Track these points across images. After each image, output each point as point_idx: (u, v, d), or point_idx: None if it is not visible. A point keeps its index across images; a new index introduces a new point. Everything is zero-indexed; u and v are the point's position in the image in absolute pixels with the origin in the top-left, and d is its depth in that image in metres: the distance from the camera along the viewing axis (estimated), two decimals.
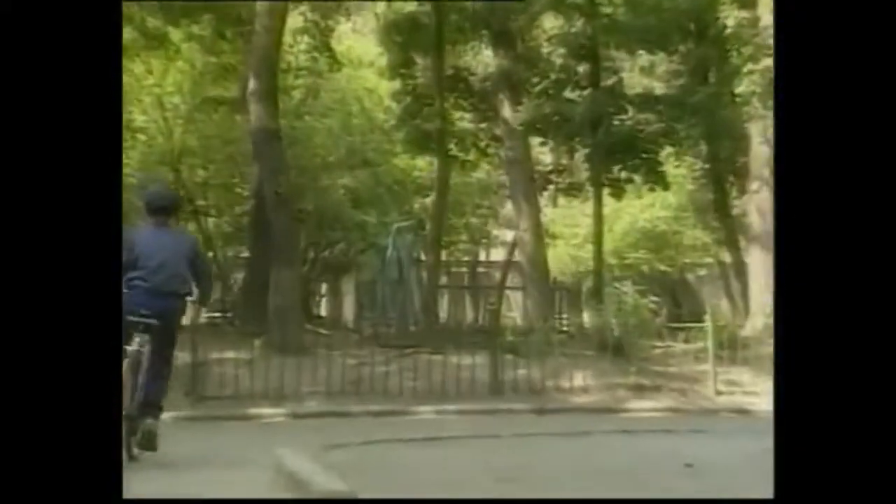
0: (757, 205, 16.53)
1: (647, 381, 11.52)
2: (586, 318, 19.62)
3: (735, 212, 20.51)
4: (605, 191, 17.88)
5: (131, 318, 5.70)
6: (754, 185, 16.76)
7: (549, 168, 23.01)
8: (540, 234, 18.16)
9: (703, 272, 26.15)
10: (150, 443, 5.72)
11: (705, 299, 23.51)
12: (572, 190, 23.23)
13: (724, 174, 20.16)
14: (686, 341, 13.41)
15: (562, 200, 27.10)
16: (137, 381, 5.70)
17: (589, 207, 20.39)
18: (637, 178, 17.67)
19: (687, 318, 18.05)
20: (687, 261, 26.62)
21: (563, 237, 26.41)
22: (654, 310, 16.53)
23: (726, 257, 21.84)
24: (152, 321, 5.78)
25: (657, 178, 17.48)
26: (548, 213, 26.81)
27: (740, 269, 19.17)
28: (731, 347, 11.96)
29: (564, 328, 18.13)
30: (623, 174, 17.44)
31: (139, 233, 6.21)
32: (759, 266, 16.05)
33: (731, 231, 20.39)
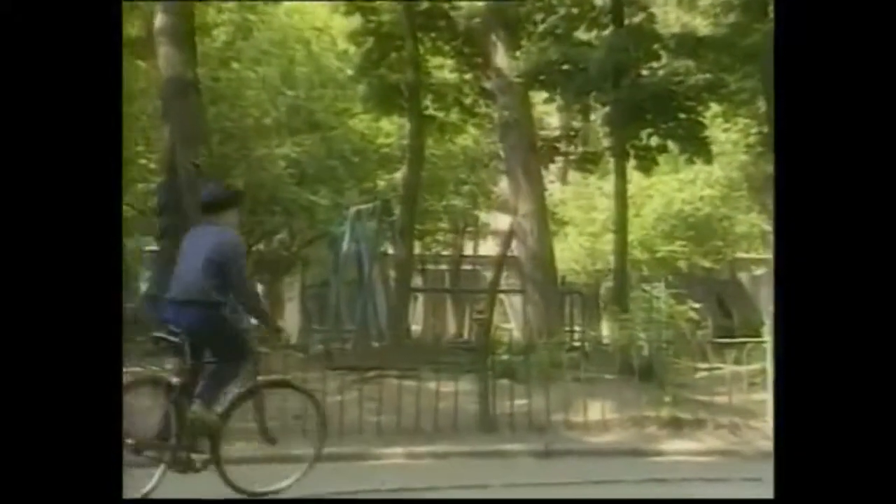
0: None
1: (686, 414, 11.58)
2: (606, 330, 19.71)
3: None
4: (631, 163, 17.94)
5: (158, 335, 6.68)
6: None
7: (557, 133, 23.08)
8: (545, 220, 18.22)
9: (760, 271, 26.16)
10: (204, 428, 6.67)
11: (763, 306, 23.50)
12: (587, 162, 23.27)
13: None
14: (738, 362, 13.34)
15: (574, 176, 27.22)
16: (175, 406, 6.59)
17: (609, 185, 20.46)
18: (673, 145, 17.75)
19: (739, 331, 18.08)
20: (739, 255, 26.58)
21: (575, 224, 26.54)
22: (695, 320, 16.60)
23: None
24: (176, 339, 6.58)
25: (699, 146, 17.57)
26: (555, 193, 26.94)
27: None
28: None
29: (577, 344, 18.19)
30: (654, 141, 17.52)
31: (185, 237, 7.14)
32: None
33: None
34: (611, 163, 19.03)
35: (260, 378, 7.26)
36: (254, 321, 7.43)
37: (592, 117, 19.95)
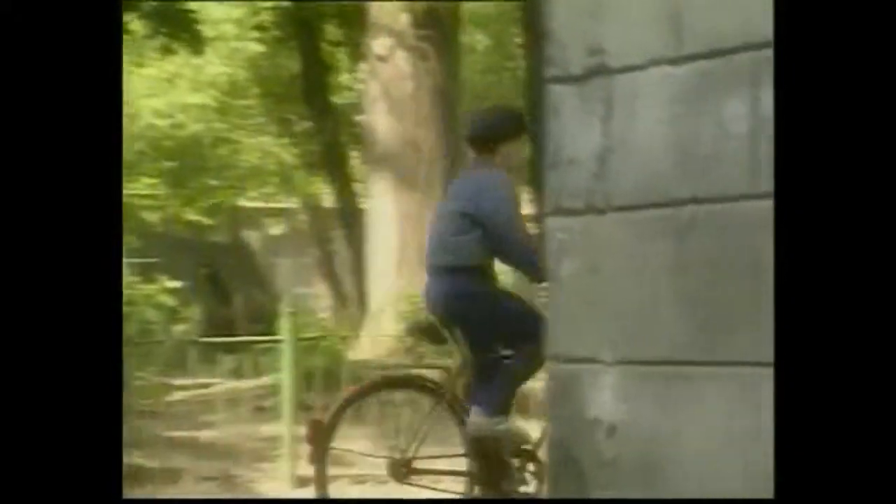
0: (385, 84, 17.12)
1: (152, 460, 11.92)
2: None
3: (343, 100, 21.05)
4: None
5: (412, 319, 9.89)
6: (382, 46, 17.22)
7: None
8: None
9: (276, 229, 26.57)
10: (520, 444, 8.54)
11: (282, 284, 24.50)
12: None
13: (317, 18, 20.23)
14: (240, 374, 14.00)
15: None
16: (451, 413, 8.59)
17: None
18: (139, 24, 18.75)
19: (244, 324, 18.98)
20: (246, 203, 26.59)
21: None
22: (172, 308, 17.42)
23: (324, 198, 23.26)
24: (426, 320, 8.80)
25: (181, 26, 18.33)
26: None
27: (353, 223, 20.32)
28: (330, 384, 12.29)
29: None
30: None
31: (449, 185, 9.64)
32: (392, 216, 17.03)
33: (334, 141, 20.60)
34: None
35: None
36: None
37: None
